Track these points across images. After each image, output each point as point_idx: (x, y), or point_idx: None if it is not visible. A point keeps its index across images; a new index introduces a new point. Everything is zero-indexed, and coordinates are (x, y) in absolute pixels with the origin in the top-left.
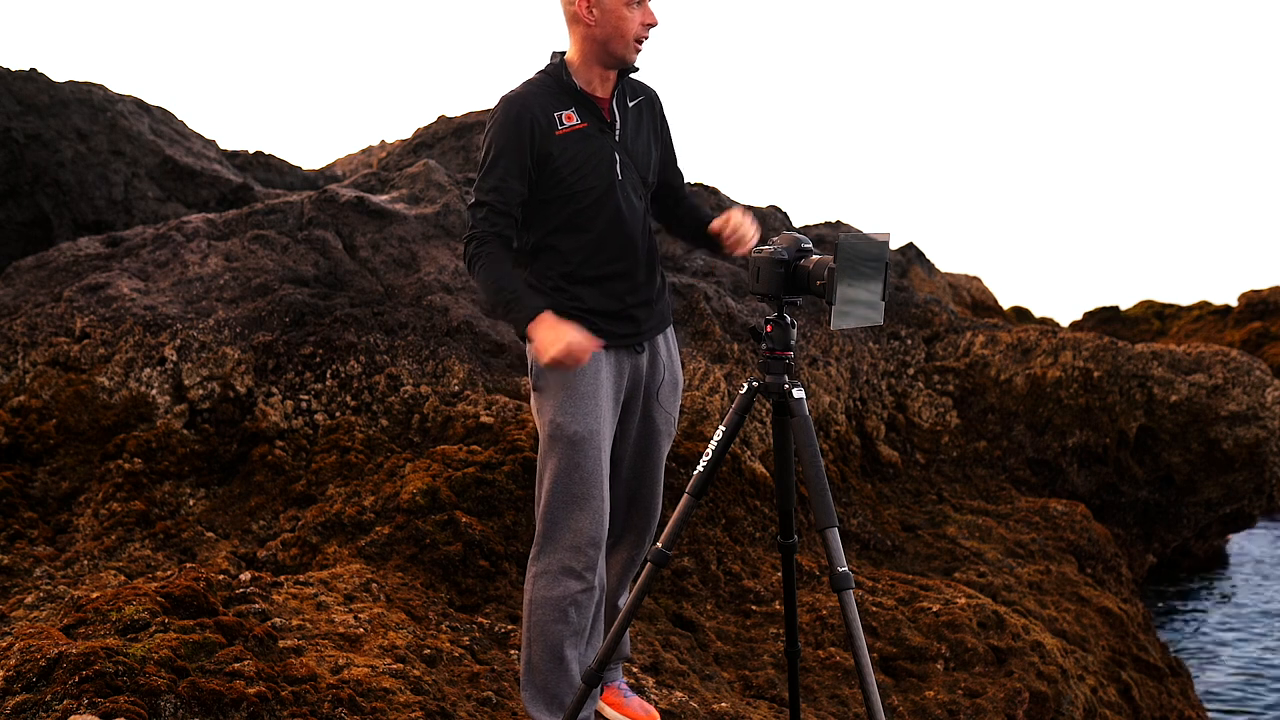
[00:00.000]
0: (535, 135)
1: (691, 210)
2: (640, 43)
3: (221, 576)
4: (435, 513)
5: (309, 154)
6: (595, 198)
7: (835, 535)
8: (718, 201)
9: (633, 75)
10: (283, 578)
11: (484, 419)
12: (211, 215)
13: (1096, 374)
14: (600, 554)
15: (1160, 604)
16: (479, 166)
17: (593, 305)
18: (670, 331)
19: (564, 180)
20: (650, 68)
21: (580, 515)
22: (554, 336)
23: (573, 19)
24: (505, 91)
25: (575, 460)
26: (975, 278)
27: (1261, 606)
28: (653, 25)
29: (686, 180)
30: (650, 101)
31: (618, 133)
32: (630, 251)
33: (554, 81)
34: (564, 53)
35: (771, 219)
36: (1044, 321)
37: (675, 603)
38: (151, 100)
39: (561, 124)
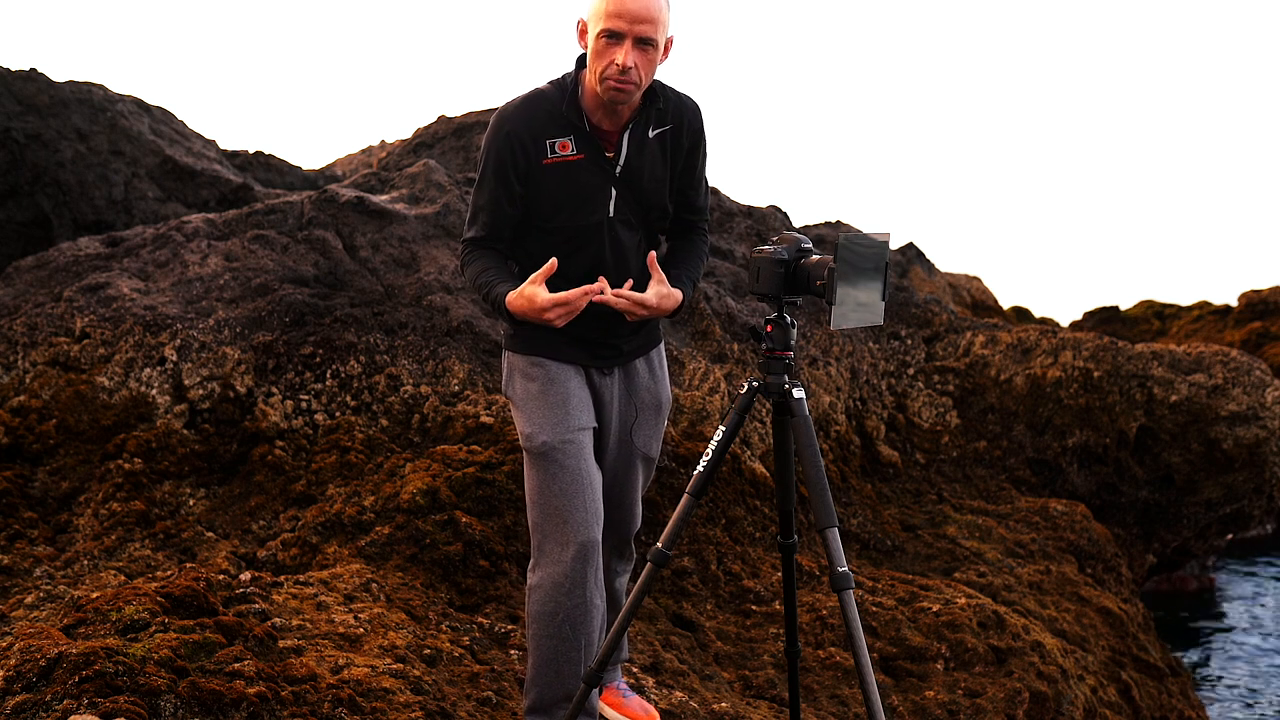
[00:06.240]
0: (519, 160)
1: (669, 255)
2: (617, 82)
3: (221, 576)
4: (435, 513)
5: (309, 154)
6: (574, 234)
7: (835, 535)
8: (717, 201)
9: (670, 89)
10: (283, 578)
11: (484, 419)
12: (211, 215)
13: (1096, 374)
14: (591, 566)
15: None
16: (476, 179)
17: (568, 332)
18: (657, 352)
19: (543, 214)
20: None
21: (564, 530)
22: (524, 305)
23: (580, 45)
24: (508, 99)
25: (550, 472)
26: (975, 278)
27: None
28: (625, 68)
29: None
30: (680, 129)
31: (619, 167)
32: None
33: (559, 99)
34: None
35: (771, 219)
36: (1044, 321)
37: (675, 603)
38: (151, 100)
39: (552, 153)
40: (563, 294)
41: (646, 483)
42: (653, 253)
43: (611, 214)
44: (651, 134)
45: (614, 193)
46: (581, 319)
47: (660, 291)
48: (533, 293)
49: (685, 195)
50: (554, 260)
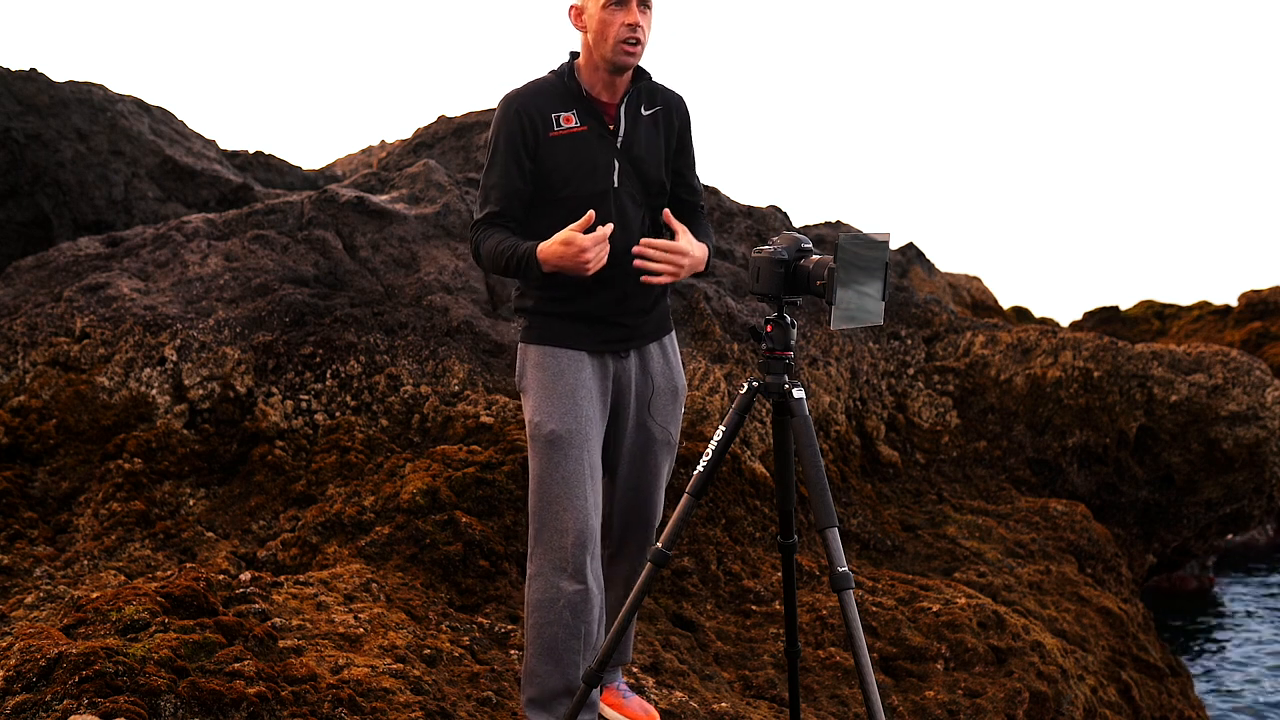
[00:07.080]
0: (528, 133)
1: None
2: (627, 44)
3: (221, 576)
4: (435, 513)
5: (309, 154)
6: (582, 204)
7: (835, 535)
8: (717, 202)
9: (658, 82)
10: (283, 578)
11: (484, 419)
12: (211, 215)
13: (1096, 374)
14: (589, 555)
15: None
16: (485, 164)
17: (579, 310)
18: (669, 339)
19: (552, 185)
20: (652, 65)
21: (563, 517)
22: (560, 249)
23: (575, 28)
24: (510, 89)
25: (554, 460)
26: (975, 278)
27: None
28: (633, 25)
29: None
30: (670, 110)
31: (620, 139)
32: (621, 261)
33: (559, 82)
34: (578, 53)
35: (771, 219)
36: (1044, 321)
37: (675, 603)
38: (151, 100)
39: (558, 125)
40: (595, 233)
41: (668, 474)
42: (667, 210)
43: (616, 185)
44: (645, 112)
45: (617, 164)
46: (593, 291)
47: (690, 239)
48: (570, 236)
49: (682, 175)
50: (591, 212)
